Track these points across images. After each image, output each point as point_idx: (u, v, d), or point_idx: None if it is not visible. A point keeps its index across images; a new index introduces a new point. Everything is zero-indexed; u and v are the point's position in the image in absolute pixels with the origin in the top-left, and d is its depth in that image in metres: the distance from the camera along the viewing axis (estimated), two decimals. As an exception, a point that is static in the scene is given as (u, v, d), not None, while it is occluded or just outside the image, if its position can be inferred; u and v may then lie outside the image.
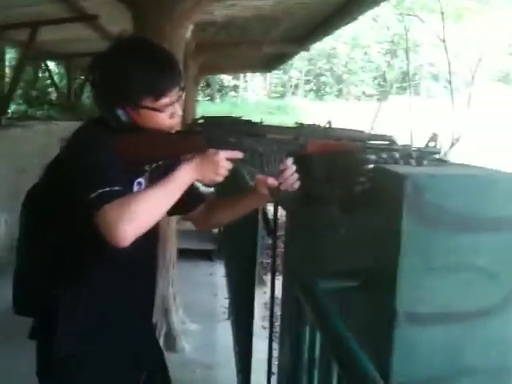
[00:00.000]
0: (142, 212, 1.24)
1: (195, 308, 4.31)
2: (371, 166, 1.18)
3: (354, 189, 1.21)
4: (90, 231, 1.36)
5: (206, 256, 6.01)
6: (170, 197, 1.33)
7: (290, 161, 1.44)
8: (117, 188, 1.25)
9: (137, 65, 1.40)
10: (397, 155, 1.20)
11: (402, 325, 1.04)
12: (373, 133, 1.43)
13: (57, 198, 1.44)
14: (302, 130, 1.43)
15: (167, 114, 1.44)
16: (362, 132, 1.44)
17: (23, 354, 1.71)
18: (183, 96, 1.51)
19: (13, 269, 1.56)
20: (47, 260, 1.48)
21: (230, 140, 1.42)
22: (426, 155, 1.23)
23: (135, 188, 1.47)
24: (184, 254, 4.69)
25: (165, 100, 1.42)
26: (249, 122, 1.61)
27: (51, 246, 1.48)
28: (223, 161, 1.38)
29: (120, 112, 1.40)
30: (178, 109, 1.47)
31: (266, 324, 4.70)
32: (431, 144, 1.32)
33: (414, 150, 1.27)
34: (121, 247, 1.22)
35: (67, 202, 1.40)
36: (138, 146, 1.41)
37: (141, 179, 1.50)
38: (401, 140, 1.33)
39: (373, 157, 1.19)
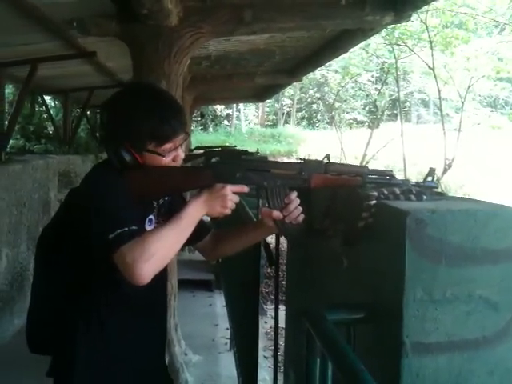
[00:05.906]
0: (160, 250, 1.29)
1: (197, 339, 4.31)
2: (373, 201, 1.24)
3: (358, 223, 1.27)
4: (103, 271, 1.41)
5: (205, 286, 6.02)
6: (184, 232, 1.39)
7: (293, 194, 1.50)
8: (133, 227, 1.30)
9: (142, 111, 1.45)
10: (397, 191, 1.27)
11: (409, 355, 1.09)
12: (372, 168, 1.49)
13: (69, 239, 1.49)
14: (304, 166, 1.50)
15: (170, 158, 1.50)
16: (362, 167, 1.51)
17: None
18: (188, 140, 1.56)
19: (14, 304, 1.58)
20: (60, 301, 1.52)
21: (237, 175, 1.48)
22: (424, 190, 1.30)
23: (147, 225, 1.52)
24: (183, 285, 4.71)
25: (168, 145, 1.48)
26: (245, 152, 1.68)
27: (64, 287, 1.52)
28: (230, 194, 1.44)
29: (124, 153, 1.45)
30: (180, 152, 1.53)
31: (268, 354, 4.69)
32: (429, 178, 1.39)
33: (413, 185, 1.34)
34: (140, 285, 1.27)
35: (79, 244, 1.45)
36: (148, 181, 1.47)
37: (151, 216, 1.55)
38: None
39: (375, 193, 1.25)
